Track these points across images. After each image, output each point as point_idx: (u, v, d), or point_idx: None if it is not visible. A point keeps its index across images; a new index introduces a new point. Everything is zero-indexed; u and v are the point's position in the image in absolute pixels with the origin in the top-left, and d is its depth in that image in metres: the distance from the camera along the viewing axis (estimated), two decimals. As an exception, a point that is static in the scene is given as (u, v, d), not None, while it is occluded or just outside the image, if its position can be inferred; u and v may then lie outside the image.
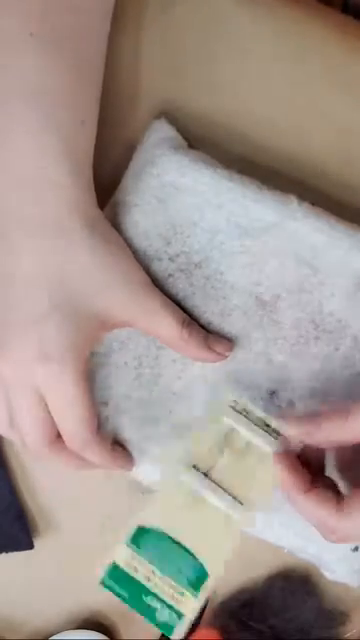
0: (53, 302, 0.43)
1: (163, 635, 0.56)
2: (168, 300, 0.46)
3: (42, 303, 0.43)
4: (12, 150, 0.43)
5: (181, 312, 0.47)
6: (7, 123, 0.43)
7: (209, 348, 0.46)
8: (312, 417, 0.43)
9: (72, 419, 0.44)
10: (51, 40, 0.43)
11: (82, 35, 0.45)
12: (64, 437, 0.45)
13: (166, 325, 0.46)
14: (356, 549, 0.49)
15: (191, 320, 0.47)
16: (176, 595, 0.43)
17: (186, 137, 0.50)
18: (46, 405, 0.44)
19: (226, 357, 0.47)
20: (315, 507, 0.42)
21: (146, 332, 0.47)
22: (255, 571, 0.56)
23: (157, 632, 0.57)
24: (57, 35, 0.44)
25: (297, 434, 0.43)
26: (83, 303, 0.43)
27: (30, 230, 0.43)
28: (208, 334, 0.47)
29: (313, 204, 0.48)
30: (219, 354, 0.47)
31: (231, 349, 0.47)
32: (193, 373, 0.48)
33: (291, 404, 0.48)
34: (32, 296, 0.43)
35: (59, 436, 0.45)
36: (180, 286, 0.48)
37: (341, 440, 0.42)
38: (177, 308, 0.47)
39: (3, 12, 0.43)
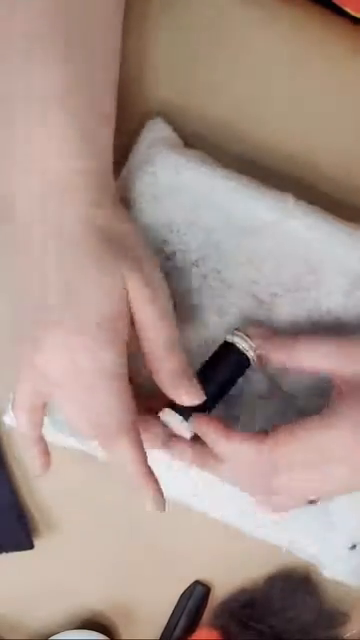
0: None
1: (163, 635, 0.56)
2: (170, 314, 0.44)
3: (51, 297, 0.41)
4: (37, 151, 0.42)
5: (176, 333, 0.43)
6: (28, 128, 0.42)
7: (182, 380, 0.43)
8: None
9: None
10: (70, 42, 0.42)
11: (98, 34, 0.44)
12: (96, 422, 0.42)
13: (163, 326, 0.43)
14: (354, 548, 0.49)
15: (180, 344, 0.44)
16: None
17: (184, 136, 0.50)
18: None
19: (187, 400, 0.44)
20: (243, 441, 0.43)
21: (142, 321, 0.43)
22: (255, 571, 0.56)
23: (157, 632, 0.57)
24: (76, 36, 0.43)
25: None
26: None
27: (52, 234, 0.42)
28: (191, 377, 0.44)
29: (310, 203, 0.48)
30: (180, 392, 0.43)
31: (199, 399, 0.44)
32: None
33: (290, 404, 0.48)
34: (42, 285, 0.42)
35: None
36: (177, 285, 0.48)
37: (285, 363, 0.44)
38: (174, 326, 0.44)
39: (20, 12, 0.42)
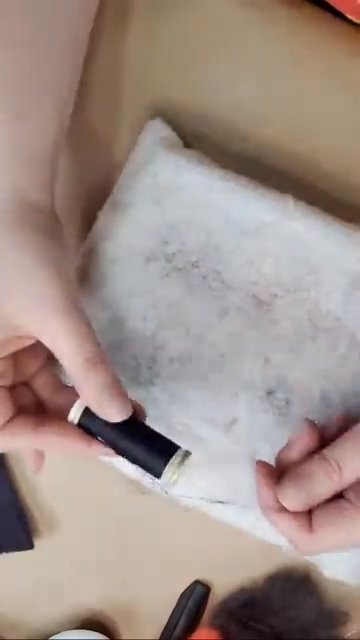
0: None
1: (163, 635, 0.57)
2: (83, 329, 0.41)
3: None
4: None
5: (94, 348, 0.41)
6: None
7: (106, 399, 0.41)
8: (303, 478, 0.42)
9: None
10: (10, 36, 0.42)
11: (47, 34, 0.44)
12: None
13: (66, 354, 0.41)
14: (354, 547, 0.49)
15: (102, 361, 0.41)
16: None
17: (183, 136, 0.50)
18: None
19: (115, 419, 0.42)
20: (287, 524, 0.42)
21: (54, 350, 0.42)
22: (255, 571, 0.56)
23: (157, 632, 0.57)
24: (17, 32, 0.42)
25: (297, 502, 0.43)
26: None
27: None
28: (118, 390, 0.42)
29: (310, 203, 0.47)
30: (110, 411, 0.41)
31: (126, 416, 0.41)
32: (190, 373, 0.48)
33: (289, 404, 0.48)
34: None
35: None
36: (177, 285, 0.48)
37: (338, 490, 0.42)
38: (90, 342, 0.41)
39: None
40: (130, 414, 0.42)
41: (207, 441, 0.48)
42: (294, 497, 0.42)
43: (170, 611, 0.57)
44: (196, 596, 0.56)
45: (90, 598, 0.57)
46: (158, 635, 0.57)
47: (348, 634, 0.56)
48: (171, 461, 0.41)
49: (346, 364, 0.47)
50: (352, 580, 0.51)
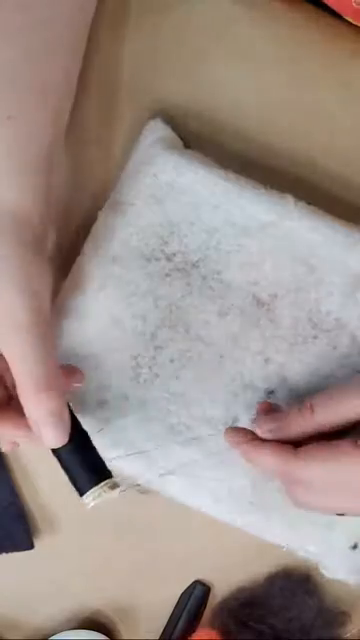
0: None
1: (163, 635, 0.56)
2: (41, 351, 0.41)
3: None
4: None
5: (45, 373, 0.41)
6: None
7: (45, 425, 0.41)
8: (280, 413, 0.45)
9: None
10: (6, 44, 0.42)
11: (39, 36, 0.43)
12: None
13: (18, 374, 0.41)
14: (355, 547, 0.49)
15: (49, 388, 0.41)
16: None
17: (184, 136, 0.50)
18: None
19: (47, 445, 0.42)
20: (272, 454, 0.44)
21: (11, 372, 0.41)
22: (255, 571, 0.56)
23: (157, 632, 0.57)
24: (7, 33, 0.42)
25: (268, 430, 0.45)
26: None
27: None
28: (56, 420, 0.41)
29: (310, 203, 0.48)
30: (45, 437, 0.42)
31: (56, 446, 0.42)
32: (190, 373, 0.48)
33: (289, 404, 0.48)
34: None
35: None
36: (177, 285, 0.48)
37: (308, 433, 0.44)
38: (44, 366, 0.41)
39: None
40: (63, 444, 0.42)
41: (207, 441, 0.48)
42: (267, 425, 0.45)
43: (170, 611, 0.57)
44: (196, 596, 0.56)
45: (90, 598, 0.57)
46: (158, 635, 0.57)
47: (348, 634, 0.56)
48: (99, 486, 0.43)
49: (346, 364, 0.47)
50: (352, 580, 0.51)
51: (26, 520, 0.55)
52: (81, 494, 0.43)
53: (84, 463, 0.43)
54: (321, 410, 0.43)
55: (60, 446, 0.43)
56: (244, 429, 0.46)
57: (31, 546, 0.56)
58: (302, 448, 0.43)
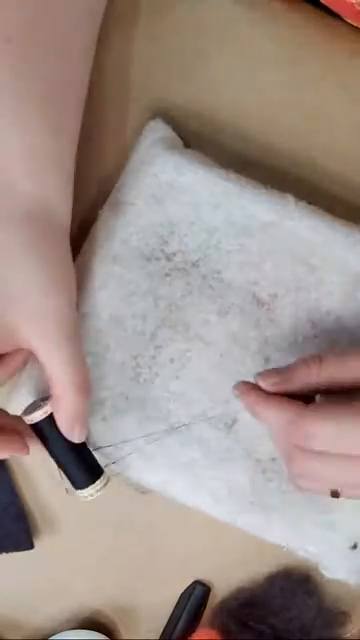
0: None
1: (163, 635, 0.56)
2: (80, 358, 0.45)
3: None
4: None
5: (86, 377, 0.45)
6: None
7: (80, 422, 0.46)
8: (285, 367, 0.44)
9: None
10: (29, 46, 0.42)
11: (64, 41, 0.44)
12: None
13: (62, 377, 0.44)
14: (354, 547, 0.49)
15: (89, 390, 0.46)
16: None
17: (184, 136, 0.50)
18: None
19: (75, 440, 0.46)
20: (282, 405, 0.43)
21: (49, 371, 0.45)
22: (255, 571, 0.56)
23: (157, 632, 0.57)
24: (36, 41, 0.43)
25: (272, 383, 0.44)
26: None
27: None
28: (87, 420, 0.46)
29: (310, 203, 0.48)
30: (75, 432, 0.46)
31: (82, 440, 0.46)
32: (190, 373, 0.48)
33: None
34: None
35: None
36: (177, 285, 0.48)
37: (312, 386, 0.43)
38: (84, 372, 0.45)
39: None
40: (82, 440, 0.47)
41: (207, 441, 0.48)
42: (271, 377, 0.44)
43: (170, 611, 0.57)
44: (196, 596, 0.56)
45: (90, 598, 0.57)
46: (158, 635, 0.57)
47: (348, 634, 0.56)
48: (97, 482, 0.47)
49: (346, 364, 0.47)
50: (352, 580, 0.51)
51: (26, 520, 0.55)
52: (79, 488, 0.48)
53: (81, 461, 0.47)
54: (331, 364, 0.42)
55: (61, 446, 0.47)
56: (251, 383, 0.45)
57: (31, 546, 0.56)
58: (314, 403, 0.42)
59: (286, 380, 0.43)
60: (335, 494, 0.43)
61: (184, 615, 0.56)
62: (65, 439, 0.46)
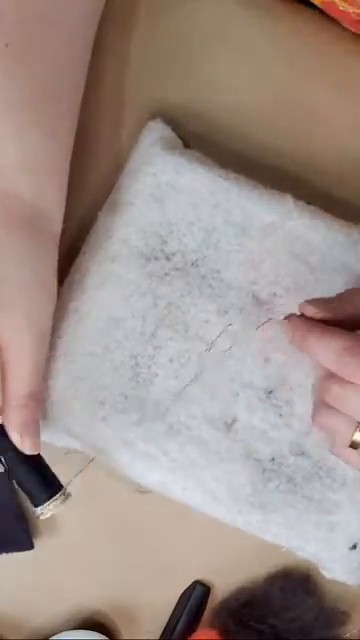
0: None
1: (163, 635, 0.56)
2: (42, 365, 0.44)
3: None
4: None
5: (41, 385, 0.45)
6: None
7: (33, 430, 0.44)
8: (333, 297, 0.43)
9: None
10: (26, 52, 0.43)
11: (60, 45, 0.44)
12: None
13: (18, 378, 0.43)
14: (354, 547, 0.49)
15: (41, 399, 0.45)
16: None
17: (183, 137, 0.50)
18: None
19: (28, 451, 0.45)
20: (336, 334, 0.41)
21: (10, 369, 0.43)
22: (255, 571, 0.56)
23: (157, 632, 0.57)
24: (33, 47, 0.43)
25: (322, 309, 0.43)
26: None
27: None
28: (38, 430, 0.45)
29: (309, 203, 0.48)
30: (27, 443, 0.44)
31: (35, 452, 0.45)
32: (189, 373, 0.48)
33: (289, 403, 0.48)
34: None
35: None
36: (176, 285, 0.48)
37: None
38: (41, 379, 0.44)
39: None
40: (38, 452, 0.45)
41: (207, 441, 0.48)
42: (319, 304, 0.43)
43: (170, 611, 0.57)
44: (196, 596, 0.56)
45: (90, 598, 0.57)
46: (158, 635, 0.57)
47: (348, 634, 0.56)
48: (54, 497, 0.46)
49: (346, 363, 0.47)
50: (352, 580, 0.51)
51: (26, 520, 0.55)
52: (36, 505, 0.46)
53: (38, 476, 0.46)
54: None
55: (17, 460, 0.45)
56: (297, 315, 0.44)
57: (31, 546, 0.56)
58: None
59: (335, 308, 0.42)
60: (355, 444, 0.42)
61: (184, 615, 0.56)
62: (18, 451, 0.45)
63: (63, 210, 0.46)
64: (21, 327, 0.43)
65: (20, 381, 0.43)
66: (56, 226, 0.45)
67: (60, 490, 0.46)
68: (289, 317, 0.45)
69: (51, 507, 0.45)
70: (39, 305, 0.44)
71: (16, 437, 0.44)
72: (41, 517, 0.45)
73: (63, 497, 0.46)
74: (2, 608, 0.57)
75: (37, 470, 0.46)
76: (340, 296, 0.43)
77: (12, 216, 0.43)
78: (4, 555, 0.56)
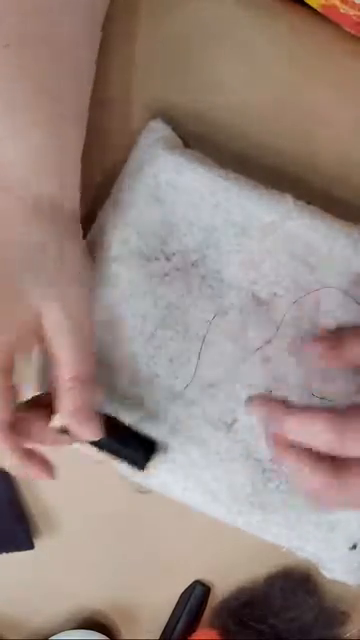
0: None
1: (163, 635, 0.57)
2: (91, 348, 0.44)
3: None
4: None
5: (92, 369, 0.44)
6: None
7: (86, 414, 0.44)
8: (333, 335, 0.44)
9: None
10: (27, 51, 0.43)
11: (63, 45, 0.44)
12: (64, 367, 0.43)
13: (69, 363, 0.43)
14: (354, 547, 0.49)
15: (92, 382, 0.44)
16: None
17: (183, 136, 0.50)
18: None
19: (87, 437, 0.44)
20: (309, 417, 0.42)
21: (55, 354, 0.44)
22: (255, 571, 0.56)
23: (157, 632, 0.57)
24: (34, 45, 0.43)
25: (324, 350, 0.43)
26: (24, 291, 0.42)
27: None
28: (95, 414, 0.44)
29: (309, 203, 0.48)
30: (83, 427, 0.44)
31: (95, 436, 0.44)
32: (189, 373, 0.48)
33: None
34: None
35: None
36: (176, 285, 0.48)
37: None
38: (92, 362, 0.44)
39: None
40: (100, 438, 0.44)
41: (207, 441, 0.48)
42: (321, 344, 0.44)
43: (170, 611, 0.57)
44: (196, 596, 0.56)
45: (90, 598, 0.57)
46: (158, 635, 0.57)
47: (348, 634, 0.56)
48: (152, 456, 0.46)
49: (346, 363, 0.47)
50: (352, 580, 0.51)
51: (26, 520, 0.56)
52: (141, 469, 0.47)
53: (129, 441, 0.47)
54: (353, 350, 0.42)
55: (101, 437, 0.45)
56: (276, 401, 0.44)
57: (31, 546, 0.56)
58: (347, 408, 0.41)
59: (336, 348, 0.43)
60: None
61: (184, 615, 0.56)
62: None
63: (78, 200, 0.46)
64: (59, 314, 0.43)
65: (64, 366, 0.43)
66: (75, 215, 0.45)
67: (154, 446, 0.47)
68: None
69: (154, 465, 0.46)
70: (75, 289, 0.44)
71: (73, 425, 0.44)
72: (150, 477, 0.46)
73: (159, 452, 0.46)
74: (2, 608, 0.57)
75: (124, 438, 0.46)
76: (339, 336, 0.44)
77: (27, 207, 0.43)
78: (4, 555, 0.56)
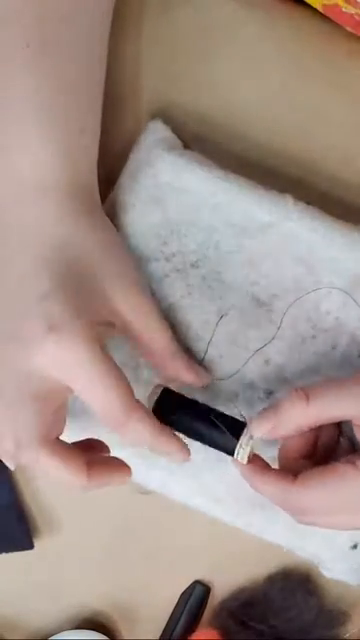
0: (54, 282, 0.41)
1: (163, 635, 0.57)
2: (162, 318, 0.46)
3: (43, 284, 0.41)
4: (9, 165, 0.43)
5: (169, 334, 0.46)
6: (3, 138, 0.43)
7: (192, 368, 0.46)
8: (272, 409, 0.44)
9: (99, 389, 0.40)
10: (47, 50, 0.43)
11: (80, 43, 0.45)
12: (100, 414, 0.41)
13: (160, 334, 0.45)
14: (355, 547, 0.49)
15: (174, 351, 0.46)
16: None
17: (183, 137, 0.50)
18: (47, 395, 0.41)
19: (201, 384, 0.47)
20: (273, 483, 0.43)
21: (136, 335, 0.45)
22: (255, 571, 0.56)
23: (157, 632, 0.57)
24: (53, 44, 0.43)
25: (262, 433, 0.44)
26: (87, 284, 0.42)
27: (27, 236, 0.43)
28: (190, 359, 0.47)
29: (309, 204, 0.47)
30: (199, 378, 0.46)
31: (209, 381, 0.47)
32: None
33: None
34: (31, 278, 0.42)
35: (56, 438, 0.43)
36: (176, 286, 0.48)
37: (304, 426, 0.43)
38: (166, 326, 0.46)
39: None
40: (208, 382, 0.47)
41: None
42: (262, 427, 0.43)
43: (170, 611, 0.57)
44: (196, 596, 0.56)
45: (90, 598, 0.57)
46: (158, 635, 0.57)
47: (348, 634, 0.56)
48: (240, 440, 0.44)
49: (346, 363, 0.47)
50: (352, 580, 0.51)
51: (26, 520, 0.56)
52: (231, 454, 0.44)
53: (217, 426, 0.45)
54: (318, 402, 0.42)
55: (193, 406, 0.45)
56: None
57: (31, 546, 0.56)
58: (300, 476, 0.43)
59: (277, 427, 0.43)
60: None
61: (184, 615, 0.56)
62: (188, 412, 0.45)
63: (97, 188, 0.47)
64: (135, 298, 0.44)
65: (154, 336, 0.45)
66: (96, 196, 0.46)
67: (244, 426, 0.44)
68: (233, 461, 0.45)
69: (244, 447, 0.44)
70: (132, 271, 0.45)
71: (188, 378, 0.46)
72: (241, 460, 0.44)
73: (248, 436, 0.44)
74: (2, 608, 0.57)
75: (209, 422, 0.45)
76: (278, 409, 0.43)
77: (55, 194, 0.43)
78: (4, 555, 0.56)
